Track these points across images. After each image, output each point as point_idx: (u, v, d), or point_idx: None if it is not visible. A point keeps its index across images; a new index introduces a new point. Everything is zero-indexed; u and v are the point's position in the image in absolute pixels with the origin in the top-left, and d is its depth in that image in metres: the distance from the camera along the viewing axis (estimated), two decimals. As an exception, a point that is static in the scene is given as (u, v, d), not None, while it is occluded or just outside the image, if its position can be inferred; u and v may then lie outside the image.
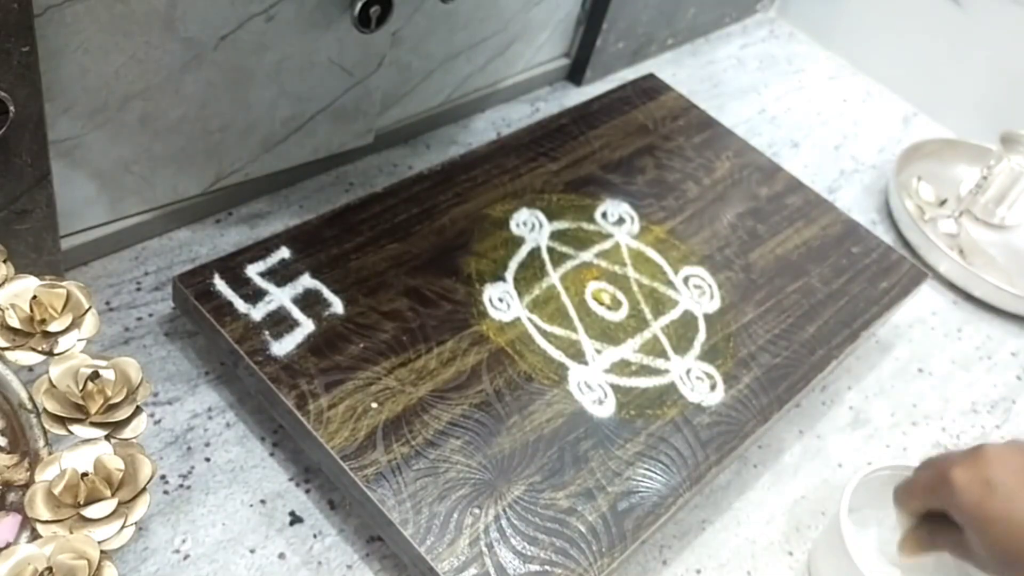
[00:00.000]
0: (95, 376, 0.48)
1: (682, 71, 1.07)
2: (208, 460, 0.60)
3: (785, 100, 1.08)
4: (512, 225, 0.72)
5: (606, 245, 0.74)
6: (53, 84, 0.56)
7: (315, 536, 0.58)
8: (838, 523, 0.60)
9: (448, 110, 0.87)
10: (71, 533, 0.43)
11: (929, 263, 0.90)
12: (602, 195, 0.78)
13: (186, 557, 0.55)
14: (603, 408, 0.63)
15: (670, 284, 0.73)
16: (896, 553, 0.59)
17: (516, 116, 0.93)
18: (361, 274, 0.65)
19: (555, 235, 0.73)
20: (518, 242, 0.72)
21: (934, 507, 0.55)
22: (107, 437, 0.47)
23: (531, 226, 0.73)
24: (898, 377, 0.80)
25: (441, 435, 0.58)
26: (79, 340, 0.50)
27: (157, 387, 0.62)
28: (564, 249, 0.72)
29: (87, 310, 0.50)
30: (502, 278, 0.69)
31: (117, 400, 0.48)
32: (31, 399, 0.48)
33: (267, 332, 0.60)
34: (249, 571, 0.56)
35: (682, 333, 0.70)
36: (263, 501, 0.59)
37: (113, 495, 0.45)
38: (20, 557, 0.42)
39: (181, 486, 0.58)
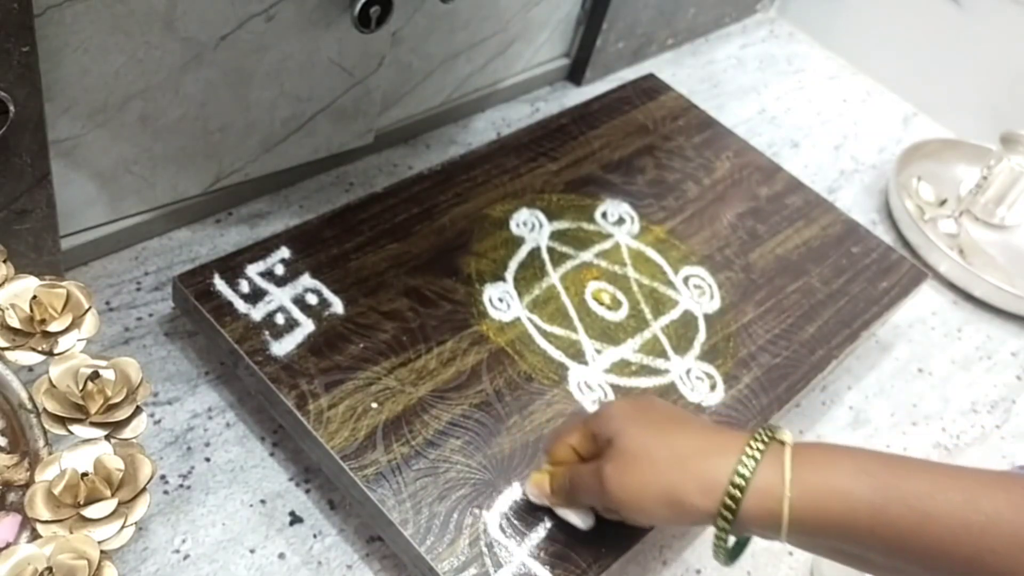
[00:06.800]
0: (95, 376, 0.48)
1: (682, 71, 1.06)
2: (208, 460, 0.60)
3: (785, 100, 1.08)
4: (512, 225, 0.72)
5: (606, 245, 0.74)
6: (53, 84, 0.56)
7: (315, 536, 0.58)
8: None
9: (448, 110, 0.87)
10: (71, 533, 0.43)
11: (929, 263, 0.90)
12: (602, 195, 0.78)
13: (186, 557, 0.55)
14: (603, 408, 0.63)
15: (670, 284, 0.73)
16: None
17: (516, 116, 0.92)
18: (361, 274, 0.65)
19: (555, 235, 0.73)
20: (518, 242, 0.72)
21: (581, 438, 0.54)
22: (107, 437, 0.47)
23: (531, 226, 0.73)
24: (898, 377, 0.80)
25: (441, 435, 0.58)
26: (79, 340, 0.50)
27: (157, 387, 0.62)
28: (564, 249, 0.72)
29: (87, 310, 0.50)
30: (502, 278, 0.69)
31: (117, 400, 0.48)
32: (31, 399, 0.48)
33: (267, 332, 0.60)
34: (249, 571, 0.56)
35: (682, 333, 0.70)
36: (263, 501, 0.59)
37: (113, 495, 0.45)
38: (20, 557, 0.42)
39: (181, 486, 0.58)
